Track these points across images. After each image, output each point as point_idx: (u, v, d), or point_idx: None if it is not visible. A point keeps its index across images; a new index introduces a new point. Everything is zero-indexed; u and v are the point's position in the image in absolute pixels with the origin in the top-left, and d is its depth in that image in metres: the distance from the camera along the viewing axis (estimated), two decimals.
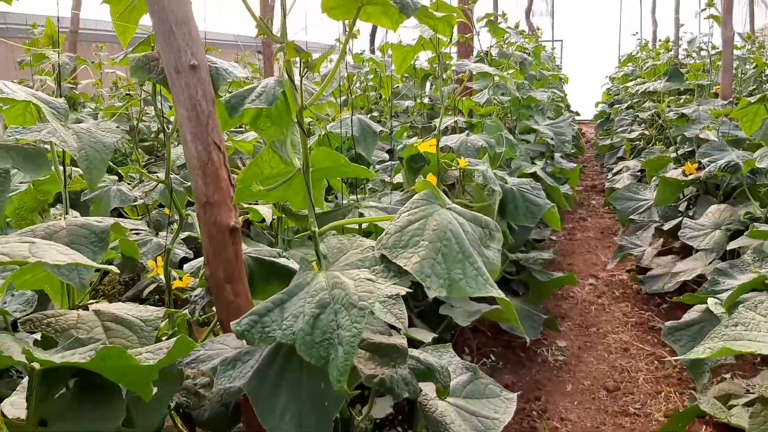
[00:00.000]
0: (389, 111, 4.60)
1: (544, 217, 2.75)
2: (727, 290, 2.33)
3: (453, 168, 2.78)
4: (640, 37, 10.62)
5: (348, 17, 1.24)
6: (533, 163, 4.09)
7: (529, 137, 4.77)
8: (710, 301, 2.26)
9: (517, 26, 4.63)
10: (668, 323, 2.47)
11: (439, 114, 4.08)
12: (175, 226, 2.20)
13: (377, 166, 3.26)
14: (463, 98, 3.63)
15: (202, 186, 1.66)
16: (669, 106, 4.03)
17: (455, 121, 3.36)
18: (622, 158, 7.65)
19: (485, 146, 3.04)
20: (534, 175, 3.56)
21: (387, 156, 4.32)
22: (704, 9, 4.94)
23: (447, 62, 4.19)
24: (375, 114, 4.46)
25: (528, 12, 11.69)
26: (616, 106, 9.17)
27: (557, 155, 4.40)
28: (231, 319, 1.79)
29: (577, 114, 12.39)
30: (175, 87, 1.63)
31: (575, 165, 4.50)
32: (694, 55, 6.41)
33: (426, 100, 4.87)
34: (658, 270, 3.91)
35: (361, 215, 2.02)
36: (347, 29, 1.44)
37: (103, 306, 1.51)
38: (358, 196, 3.05)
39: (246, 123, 1.50)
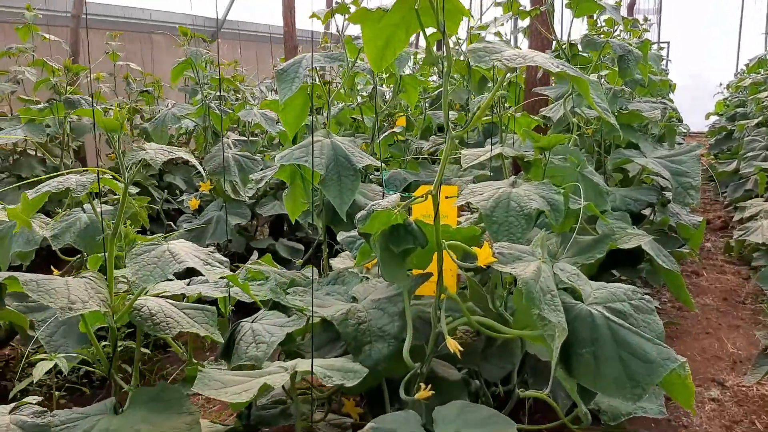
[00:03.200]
0: (419, 127, 3.19)
1: (665, 386, 1.27)
2: None
3: (468, 264, 1.37)
4: None
5: None
6: (639, 216, 2.56)
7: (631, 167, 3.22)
8: None
9: (618, 3, 3.08)
10: None
11: (502, 128, 2.63)
12: None
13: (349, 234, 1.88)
14: (518, 115, 2.18)
15: None
16: None
17: (499, 155, 1.92)
18: (750, 192, 5.82)
19: (546, 209, 1.60)
20: (637, 253, 2.06)
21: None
22: None
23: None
24: (398, 131, 3.07)
25: (631, 6, 9.89)
26: (742, 122, 7.25)
27: (674, 205, 2.84)
28: None
29: (686, 129, 10.45)
30: None
31: (701, 218, 2.91)
32: None
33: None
34: None
35: None
36: None
37: None
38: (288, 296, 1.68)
39: None
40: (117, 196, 4.35)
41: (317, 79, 2.26)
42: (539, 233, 1.50)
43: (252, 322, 1.81)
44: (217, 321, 1.58)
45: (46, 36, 5.14)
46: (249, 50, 8.98)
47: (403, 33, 1.46)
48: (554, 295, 1.27)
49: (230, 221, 3.79)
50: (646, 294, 3.73)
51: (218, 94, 4.77)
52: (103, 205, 3.04)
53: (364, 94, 2.65)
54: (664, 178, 2.55)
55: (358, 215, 1.38)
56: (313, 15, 2.30)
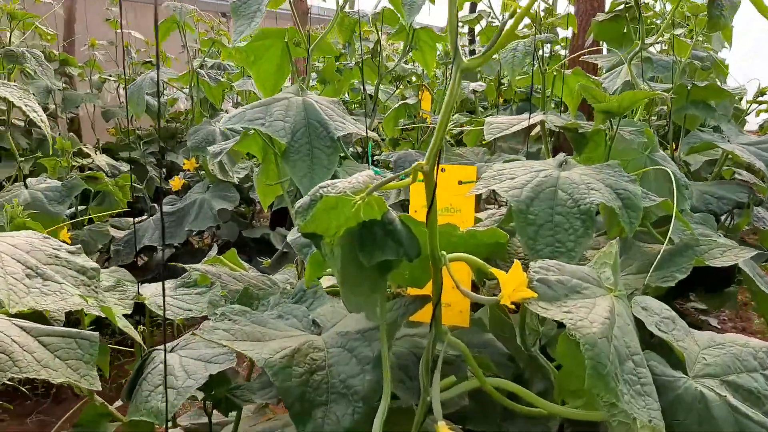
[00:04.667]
0: (439, 98, 2.60)
1: None
2: None
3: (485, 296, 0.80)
4: None
5: None
6: (730, 219, 1.96)
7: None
8: None
9: None
10: None
11: (541, 106, 2.04)
12: None
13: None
14: (567, 72, 1.59)
15: None
16: None
17: (541, 123, 1.34)
18: None
19: (614, 204, 1.02)
20: (727, 272, 1.46)
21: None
22: None
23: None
24: (411, 102, 2.50)
25: None
26: None
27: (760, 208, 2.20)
28: None
29: None
30: None
31: None
32: None
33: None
34: None
35: None
36: None
37: None
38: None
39: None
40: (92, 167, 3.87)
41: (297, 21, 1.70)
42: (604, 256, 0.92)
43: (170, 350, 1.26)
44: (95, 354, 1.03)
45: None
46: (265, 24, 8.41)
47: None
48: (638, 363, 0.69)
49: (214, 205, 3.26)
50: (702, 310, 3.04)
51: (218, 62, 4.26)
52: (51, 181, 2.54)
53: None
54: (756, 169, 1.92)
55: (298, 203, 0.82)
56: None
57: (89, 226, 3.43)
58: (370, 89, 2.33)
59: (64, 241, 2.75)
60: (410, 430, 1.04)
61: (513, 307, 0.74)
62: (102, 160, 4.37)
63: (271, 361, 0.98)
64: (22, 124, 4.71)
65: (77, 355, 1.02)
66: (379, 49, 1.97)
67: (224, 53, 1.64)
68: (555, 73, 1.62)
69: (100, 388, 1.03)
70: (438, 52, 2.61)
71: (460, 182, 1.21)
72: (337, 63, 2.35)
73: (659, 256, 1.37)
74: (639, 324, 0.87)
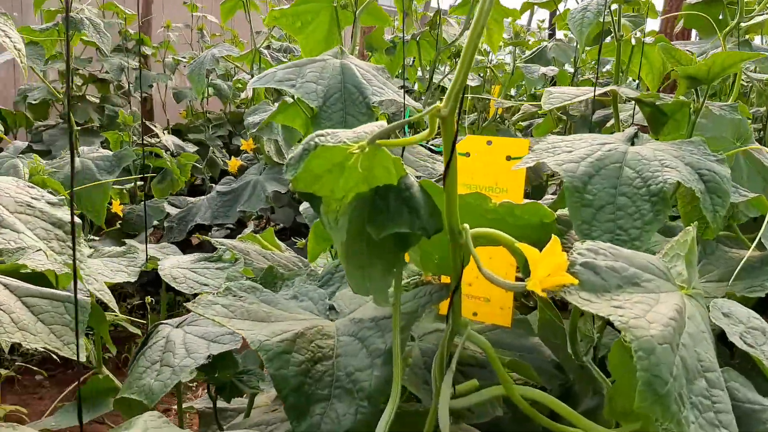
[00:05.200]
0: (505, 83, 2.42)
1: None
2: None
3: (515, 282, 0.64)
4: None
5: None
6: None
7: None
8: None
9: None
10: None
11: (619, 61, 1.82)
12: None
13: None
14: (648, 40, 1.38)
15: None
16: None
17: (611, 94, 1.15)
18: None
19: (695, 186, 0.82)
20: None
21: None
22: None
23: None
24: (474, 84, 2.31)
25: None
26: None
27: None
28: None
29: None
30: None
31: None
32: None
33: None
34: None
35: None
36: None
37: None
38: None
39: None
40: (156, 142, 3.91)
41: None
42: (677, 245, 0.74)
43: (177, 326, 1.16)
44: (85, 322, 0.94)
45: None
46: None
47: None
48: (713, 383, 0.51)
49: (267, 187, 3.19)
50: None
51: (285, 45, 4.23)
52: (102, 150, 2.53)
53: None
54: None
55: (290, 154, 0.68)
56: None
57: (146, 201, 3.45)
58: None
59: (115, 213, 2.72)
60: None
61: (545, 294, 0.58)
62: (169, 139, 4.42)
63: (266, 344, 0.85)
64: (96, 100, 4.85)
65: (64, 320, 0.92)
66: (438, 20, 1.81)
67: (269, 18, 1.52)
68: (633, 43, 1.41)
69: (84, 359, 0.93)
70: (507, 32, 2.41)
71: (509, 158, 1.05)
72: (393, 36, 2.21)
73: (743, 261, 1.15)
74: (718, 336, 0.68)
